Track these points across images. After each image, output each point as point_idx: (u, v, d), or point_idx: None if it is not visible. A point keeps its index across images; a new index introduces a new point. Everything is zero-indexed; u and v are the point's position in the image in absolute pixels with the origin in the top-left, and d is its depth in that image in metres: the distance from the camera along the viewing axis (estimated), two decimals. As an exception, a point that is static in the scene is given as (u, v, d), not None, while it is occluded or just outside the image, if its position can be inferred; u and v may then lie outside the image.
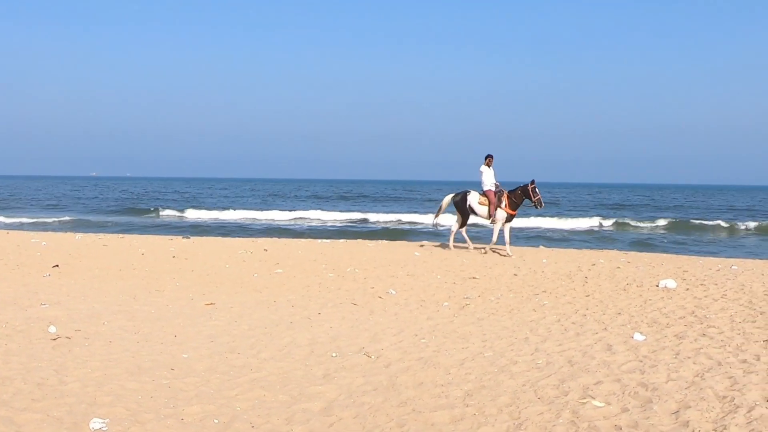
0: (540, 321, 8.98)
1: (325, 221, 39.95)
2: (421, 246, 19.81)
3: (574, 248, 21.70)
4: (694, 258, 18.80)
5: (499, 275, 13.19)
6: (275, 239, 22.96)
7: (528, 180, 17.18)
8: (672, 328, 8.45)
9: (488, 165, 17.11)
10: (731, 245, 28.10)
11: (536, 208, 17.18)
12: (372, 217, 41.40)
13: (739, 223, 35.38)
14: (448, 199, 17.93)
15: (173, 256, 16.00)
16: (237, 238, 23.24)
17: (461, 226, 17.92)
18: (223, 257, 15.89)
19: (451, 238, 18.31)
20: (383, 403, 5.62)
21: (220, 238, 23.17)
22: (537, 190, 16.95)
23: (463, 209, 17.49)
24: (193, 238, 22.28)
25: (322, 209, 47.06)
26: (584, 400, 5.56)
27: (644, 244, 26.52)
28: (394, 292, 11.18)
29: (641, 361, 6.82)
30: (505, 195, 17.02)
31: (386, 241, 22.66)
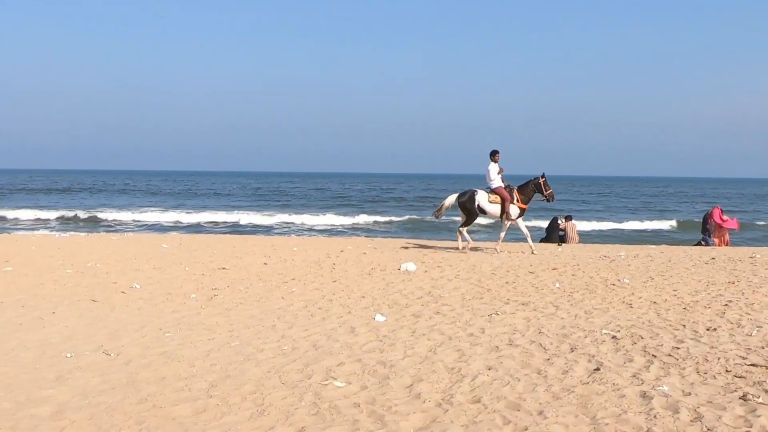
0: (288, 308, 9.10)
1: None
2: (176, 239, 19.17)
3: (324, 236, 22.26)
4: (433, 242, 20.12)
5: (249, 265, 13.16)
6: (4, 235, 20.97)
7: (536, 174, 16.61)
8: (410, 308, 8.99)
9: (495, 161, 16.06)
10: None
11: (548, 201, 16.72)
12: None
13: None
14: (452, 199, 16.72)
15: None
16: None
17: (463, 226, 16.71)
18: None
19: (461, 239, 17.01)
20: (122, 401, 5.37)
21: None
22: (548, 183, 16.41)
23: (471, 210, 16.32)
24: None
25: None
26: (326, 382, 5.73)
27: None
28: (138, 287, 10.71)
29: (381, 341, 7.18)
30: (515, 190, 16.27)
31: (132, 234, 21.65)
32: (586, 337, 7.25)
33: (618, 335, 7.28)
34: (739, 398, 5.14)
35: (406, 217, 38.00)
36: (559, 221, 21.00)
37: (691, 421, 4.71)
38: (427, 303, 9.38)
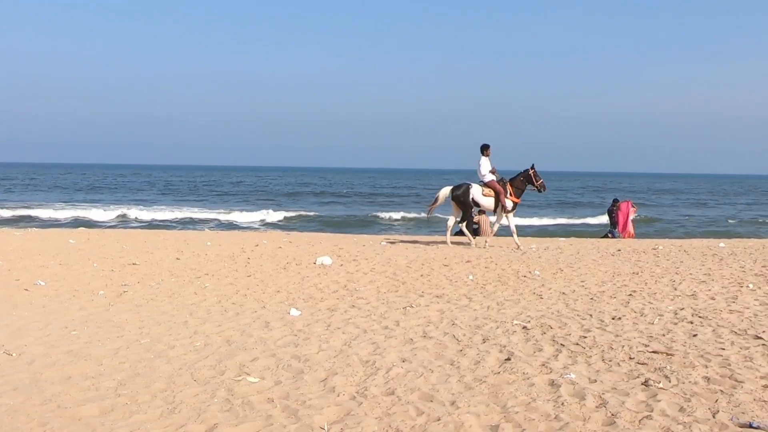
0: (200, 304, 8.93)
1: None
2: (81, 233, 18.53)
3: (239, 231, 21.96)
4: (349, 236, 20.14)
5: (160, 260, 12.85)
6: None
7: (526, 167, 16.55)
8: (325, 302, 8.97)
9: (487, 156, 16.10)
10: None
11: (539, 192, 16.78)
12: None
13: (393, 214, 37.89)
14: (446, 191, 16.55)
15: None
16: None
17: (461, 221, 16.53)
18: None
19: (449, 234, 16.96)
20: (24, 402, 5.15)
21: None
22: (538, 174, 16.38)
23: (466, 203, 16.20)
24: None
25: None
26: (239, 378, 5.66)
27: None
28: (43, 283, 10.30)
29: (296, 335, 7.13)
30: (508, 184, 16.22)
31: (36, 229, 20.82)
32: (497, 327, 7.40)
33: (528, 325, 7.47)
34: (642, 384, 5.35)
35: (324, 211, 37.91)
36: (474, 215, 21.35)
37: (597, 407, 4.87)
38: (342, 297, 9.38)
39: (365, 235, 20.25)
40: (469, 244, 16.45)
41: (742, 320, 7.67)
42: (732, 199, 62.88)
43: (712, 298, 9.03)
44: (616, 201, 22.35)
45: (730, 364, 5.86)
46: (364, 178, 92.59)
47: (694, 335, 6.95)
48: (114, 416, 4.87)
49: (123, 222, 31.75)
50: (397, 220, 34.41)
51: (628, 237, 21.36)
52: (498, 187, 15.93)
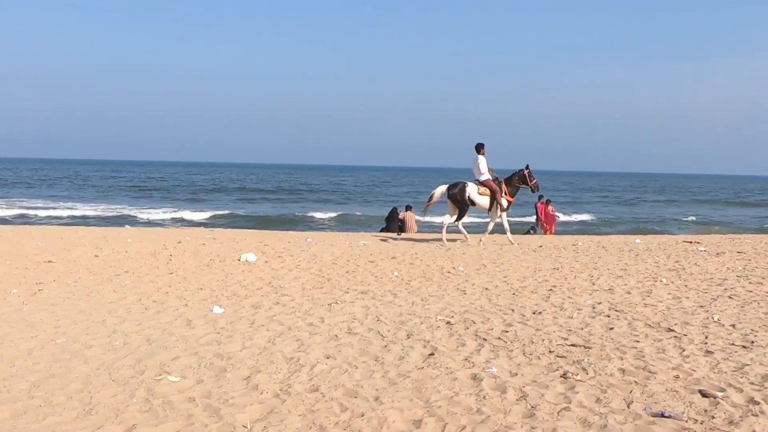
0: (120, 302, 8.69)
1: None
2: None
3: (162, 228, 21.50)
4: (274, 232, 19.96)
5: (78, 257, 12.45)
6: None
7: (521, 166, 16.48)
8: (250, 299, 8.86)
9: (483, 154, 15.99)
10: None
11: (533, 191, 16.88)
12: None
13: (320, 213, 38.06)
14: (442, 189, 16.29)
15: None
16: None
17: (458, 220, 16.17)
18: None
19: (444, 232, 16.46)
20: (-71, 407, 4.92)
21: None
22: (532, 174, 16.41)
23: (462, 201, 15.99)
24: None
25: None
26: (160, 377, 5.54)
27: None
28: (-49, 282, 9.85)
29: (219, 333, 7.03)
30: (503, 183, 16.15)
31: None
32: (422, 323, 7.47)
33: (452, 321, 7.56)
34: (560, 377, 5.49)
35: (251, 208, 37.50)
36: (399, 211, 21.47)
37: (517, 399, 4.96)
38: (267, 294, 9.29)
39: (291, 232, 20.12)
40: (464, 241, 16.48)
41: (656, 313, 7.95)
42: (651, 196, 65.13)
43: (628, 293, 9.33)
44: (541, 198, 22.87)
45: (644, 356, 6.07)
46: (279, 175, 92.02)
47: (611, 328, 7.16)
48: (27, 419, 4.70)
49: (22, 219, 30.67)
50: (323, 218, 34.36)
51: (549, 234, 21.88)
52: (494, 186, 16.02)
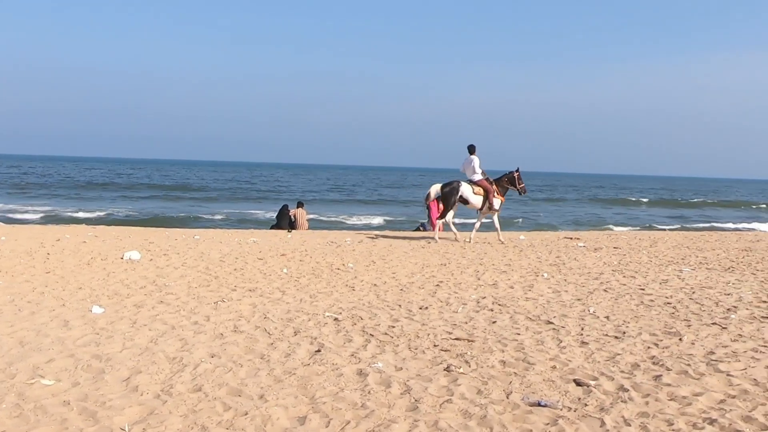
0: (-10, 303, 8.23)
1: None
2: None
3: (38, 225, 20.52)
4: (160, 230, 19.43)
5: (-55, 256, 11.70)
6: None
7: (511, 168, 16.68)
8: (132, 298, 8.58)
9: (475, 155, 16.28)
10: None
11: (520, 194, 17.21)
12: None
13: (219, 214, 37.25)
14: (436, 188, 16.57)
15: None
16: None
17: (440, 217, 16.37)
18: None
19: (454, 228, 16.76)
20: None
21: None
22: (521, 177, 16.73)
23: (450, 200, 16.18)
24: None
25: None
26: (32, 380, 5.28)
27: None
28: None
29: (98, 334, 6.77)
30: (494, 183, 16.47)
31: None
32: (309, 320, 7.45)
33: (340, 317, 7.58)
34: (444, 370, 5.61)
35: (136, 206, 36.32)
36: (289, 208, 21.34)
37: (401, 393, 5.03)
38: (150, 292, 9.02)
39: (178, 229, 19.63)
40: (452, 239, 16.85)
41: (537, 307, 8.25)
42: (544, 194, 67.29)
43: (511, 287, 9.63)
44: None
45: (524, 348, 6.29)
46: (180, 170, 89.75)
47: (494, 322, 7.38)
48: None
49: None
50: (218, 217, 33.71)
51: (439, 230, 22.27)
52: (488, 186, 16.41)
